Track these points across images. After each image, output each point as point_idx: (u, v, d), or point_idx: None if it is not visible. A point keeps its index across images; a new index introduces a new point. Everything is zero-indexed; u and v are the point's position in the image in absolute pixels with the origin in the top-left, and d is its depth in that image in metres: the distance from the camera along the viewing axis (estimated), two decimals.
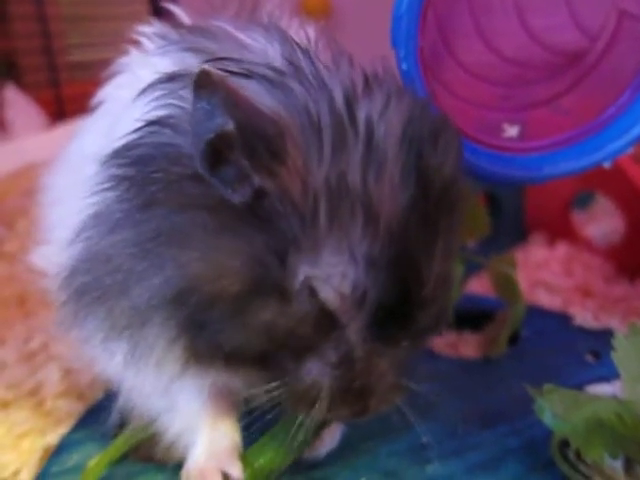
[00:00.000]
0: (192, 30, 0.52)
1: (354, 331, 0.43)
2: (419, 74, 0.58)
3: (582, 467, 0.52)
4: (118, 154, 0.45)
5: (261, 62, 0.45)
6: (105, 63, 0.56)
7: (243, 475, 0.49)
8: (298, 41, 0.48)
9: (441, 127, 0.47)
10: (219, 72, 0.41)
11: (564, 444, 0.54)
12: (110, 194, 0.45)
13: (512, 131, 0.66)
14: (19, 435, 0.63)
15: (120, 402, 0.54)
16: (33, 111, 1.72)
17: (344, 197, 0.41)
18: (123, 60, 0.55)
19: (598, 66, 0.67)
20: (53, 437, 0.62)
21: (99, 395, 0.67)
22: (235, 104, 0.39)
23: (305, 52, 0.47)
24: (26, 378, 0.72)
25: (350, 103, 0.43)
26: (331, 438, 0.56)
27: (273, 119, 0.40)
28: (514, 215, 1.06)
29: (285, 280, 0.42)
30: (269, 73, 0.44)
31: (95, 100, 0.57)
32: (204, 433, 0.51)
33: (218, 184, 0.42)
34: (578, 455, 0.52)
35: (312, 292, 0.42)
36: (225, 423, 0.52)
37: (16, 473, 0.58)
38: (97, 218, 0.45)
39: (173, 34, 0.53)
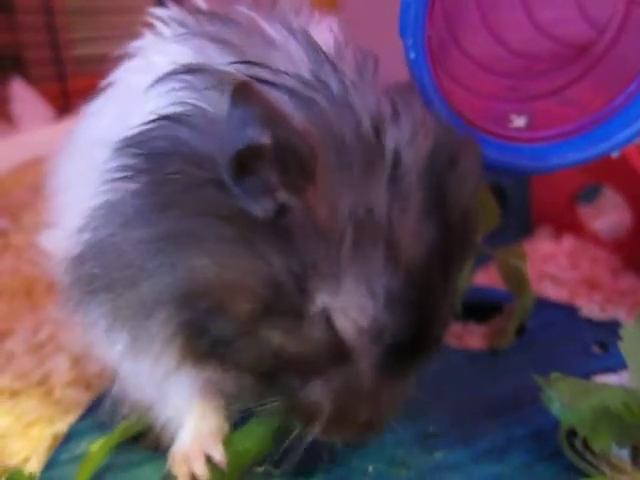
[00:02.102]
0: (212, 18, 0.50)
1: (366, 364, 0.43)
2: (427, 63, 0.58)
3: (589, 456, 0.52)
4: (132, 143, 0.44)
5: (288, 71, 0.44)
6: (111, 57, 0.55)
7: (225, 458, 0.49)
8: (323, 44, 0.47)
9: (461, 153, 0.46)
10: (258, 84, 0.40)
11: (571, 433, 0.54)
12: (124, 185, 0.44)
13: (519, 121, 0.66)
14: (28, 423, 0.64)
15: (116, 389, 0.54)
16: (39, 105, 1.73)
17: (369, 227, 0.41)
18: (136, 43, 0.54)
19: (606, 56, 0.67)
20: (62, 425, 0.63)
21: (107, 384, 0.67)
22: (273, 119, 0.39)
23: (331, 64, 0.46)
24: (35, 368, 0.73)
25: (378, 130, 0.42)
26: None
27: (306, 137, 0.40)
28: (520, 208, 1.06)
29: (301, 305, 0.41)
30: (297, 85, 0.43)
31: (105, 82, 0.55)
32: (192, 418, 0.52)
33: (241, 195, 0.41)
34: (585, 444, 0.52)
35: (329, 321, 0.41)
36: (213, 409, 0.52)
37: (26, 460, 0.59)
38: (109, 208, 0.45)
39: (191, 20, 0.52)
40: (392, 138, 0.43)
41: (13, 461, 0.59)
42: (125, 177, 0.44)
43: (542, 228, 1.06)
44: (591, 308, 0.80)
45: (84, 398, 0.67)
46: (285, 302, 0.41)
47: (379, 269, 0.41)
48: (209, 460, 0.49)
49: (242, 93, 0.39)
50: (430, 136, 0.45)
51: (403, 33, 0.58)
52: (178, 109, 0.43)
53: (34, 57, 1.90)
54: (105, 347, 0.52)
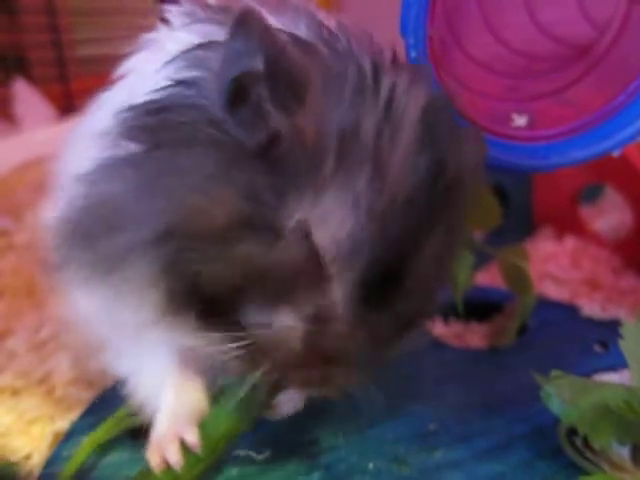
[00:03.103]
0: (219, 10, 0.52)
1: (341, 285, 0.40)
2: (428, 62, 0.59)
3: (589, 454, 0.52)
4: (135, 108, 0.44)
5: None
6: (114, 58, 0.55)
7: (198, 440, 0.49)
8: (326, 23, 0.48)
9: (463, 133, 0.46)
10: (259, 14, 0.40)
11: (571, 431, 0.54)
12: (117, 143, 0.44)
13: (521, 121, 0.66)
14: (30, 421, 0.64)
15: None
16: (42, 105, 1.73)
17: (355, 145, 0.41)
18: (149, 36, 0.54)
19: (607, 56, 0.67)
20: (63, 423, 0.63)
21: (108, 383, 0.67)
22: (269, 44, 0.39)
23: (335, 33, 0.47)
24: (36, 367, 0.73)
25: (377, 70, 0.44)
26: (291, 399, 0.54)
27: (301, 64, 0.41)
28: (522, 208, 1.06)
29: (280, 218, 0.40)
30: (298, 39, 0.44)
31: (118, 73, 0.55)
32: (168, 401, 0.51)
33: (234, 125, 0.41)
34: (585, 442, 0.53)
35: (306, 233, 0.40)
36: (190, 390, 0.52)
37: (27, 457, 0.59)
38: (101, 165, 0.45)
39: (200, 12, 0.53)
40: (389, 81, 0.43)
41: (15, 458, 0.59)
42: (124, 135, 0.44)
43: (544, 228, 1.06)
44: (592, 307, 0.80)
45: (85, 396, 0.67)
46: (263, 216, 0.40)
47: (363, 185, 0.40)
48: (183, 445, 0.48)
49: (243, 20, 0.39)
50: (429, 93, 0.45)
51: (404, 32, 0.58)
52: (185, 74, 0.44)
53: (37, 57, 1.90)
54: (84, 304, 0.50)
